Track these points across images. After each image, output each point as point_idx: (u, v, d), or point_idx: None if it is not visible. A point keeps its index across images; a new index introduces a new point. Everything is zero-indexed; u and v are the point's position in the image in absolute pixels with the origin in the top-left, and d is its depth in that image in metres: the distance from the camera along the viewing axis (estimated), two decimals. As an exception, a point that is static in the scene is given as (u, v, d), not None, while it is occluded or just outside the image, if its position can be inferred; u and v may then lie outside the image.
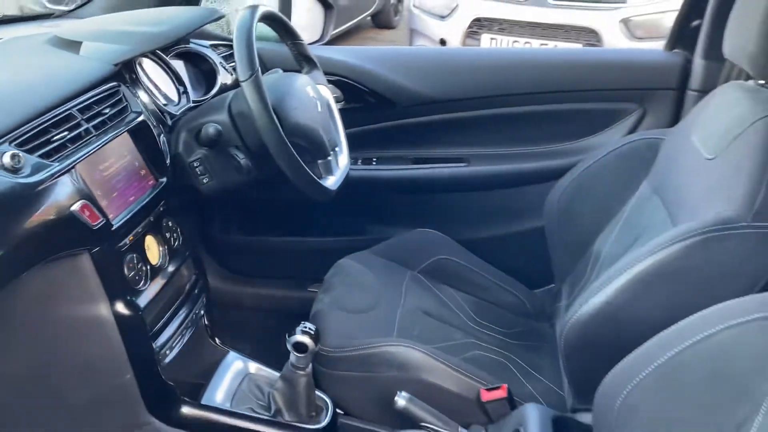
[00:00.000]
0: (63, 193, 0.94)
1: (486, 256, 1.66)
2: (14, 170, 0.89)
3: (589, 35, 3.81)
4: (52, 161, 0.95)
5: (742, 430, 0.80)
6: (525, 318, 1.59)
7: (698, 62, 1.60)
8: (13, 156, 0.88)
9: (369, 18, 5.84)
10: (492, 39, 4.05)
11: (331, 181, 1.36)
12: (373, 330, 1.34)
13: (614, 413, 0.91)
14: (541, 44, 3.90)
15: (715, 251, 1.03)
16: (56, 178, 0.94)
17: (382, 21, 6.09)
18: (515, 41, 3.97)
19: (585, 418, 1.19)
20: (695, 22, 1.63)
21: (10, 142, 0.91)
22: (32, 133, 0.95)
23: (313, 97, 1.36)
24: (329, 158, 1.39)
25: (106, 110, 1.10)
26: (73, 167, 0.97)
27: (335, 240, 1.83)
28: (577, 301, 1.21)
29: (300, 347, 1.13)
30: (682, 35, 1.68)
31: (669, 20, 1.75)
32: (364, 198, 1.77)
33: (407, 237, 1.65)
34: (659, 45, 1.77)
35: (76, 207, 0.95)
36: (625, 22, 3.77)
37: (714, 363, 0.84)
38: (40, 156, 0.94)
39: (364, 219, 1.85)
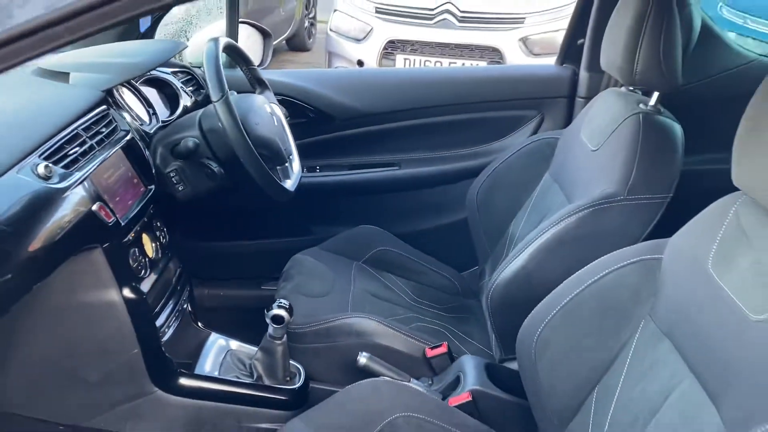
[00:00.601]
0: (84, 197, 1.15)
1: (420, 245, 1.92)
2: (47, 178, 1.09)
3: (493, 53, 4.18)
4: (71, 171, 1.15)
5: (625, 347, 1.09)
6: (456, 296, 1.86)
7: (583, 74, 1.93)
8: (46, 167, 1.09)
9: (284, 42, 6.06)
10: (405, 59, 4.36)
11: (289, 184, 1.61)
12: (331, 309, 1.57)
13: (532, 349, 1.18)
14: (450, 63, 4.23)
15: (602, 220, 1.34)
16: (78, 184, 1.14)
17: (297, 44, 6.32)
18: (427, 60, 4.28)
19: (511, 365, 1.46)
20: (580, 41, 1.96)
21: (39, 156, 1.11)
22: (54, 148, 1.15)
23: (270, 114, 1.60)
24: (286, 165, 1.63)
25: (103, 129, 1.31)
26: (88, 176, 1.18)
27: (285, 241, 2.04)
28: (496, 271, 1.50)
29: (277, 319, 1.36)
30: (570, 52, 2.00)
31: (561, 38, 2.07)
32: (310, 202, 1.98)
33: (351, 233, 1.89)
34: (553, 60, 2.10)
35: (95, 207, 1.16)
36: (524, 40, 4.16)
37: (603, 299, 1.12)
38: (63, 167, 1.14)
39: (310, 220, 2.08)
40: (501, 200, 1.78)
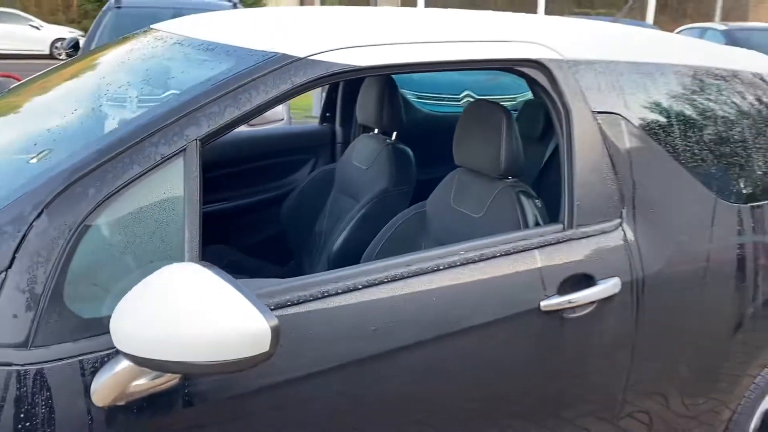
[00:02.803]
0: None
1: (256, 255, 2.79)
2: None
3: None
4: None
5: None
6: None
7: (338, 128, 3.03)
8: None
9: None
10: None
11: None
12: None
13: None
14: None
15: (383, 203, 2.40)
16: None
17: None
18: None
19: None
20: (328, 114, 3.07)
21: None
22: None
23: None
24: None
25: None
26: None
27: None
28: (324, 251, 2.47)
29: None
30: (325, 116, 3.09)
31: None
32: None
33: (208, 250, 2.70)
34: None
35: None
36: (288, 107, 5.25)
37: (402, 239, 2.16)
38: None
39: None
40: (306, 212, 2.75)
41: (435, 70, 1.79)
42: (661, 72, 1.89)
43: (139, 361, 1.11)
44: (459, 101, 3.98)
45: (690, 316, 1.85)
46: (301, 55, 1.44)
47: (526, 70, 1.69)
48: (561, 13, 23.39)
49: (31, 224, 1.18)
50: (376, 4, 23.39)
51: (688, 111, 1.92)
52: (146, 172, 1.26)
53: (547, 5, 27.92)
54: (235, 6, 6.74)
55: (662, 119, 1.84)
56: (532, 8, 28.29)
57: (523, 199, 1.85)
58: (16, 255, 1.17)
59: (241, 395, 1.30)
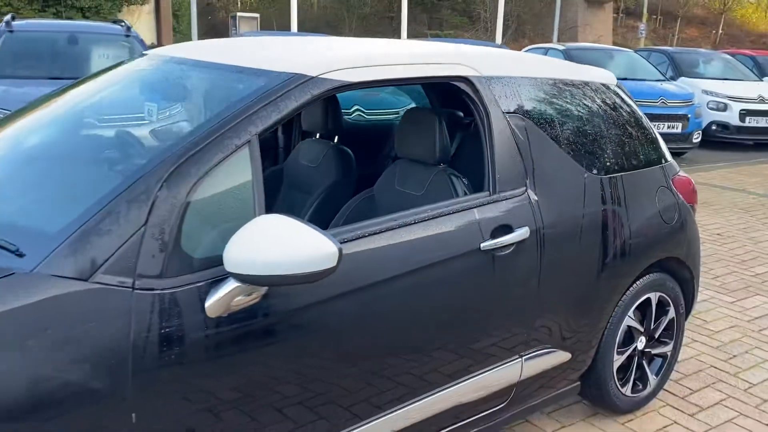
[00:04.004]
0: None
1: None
2: None
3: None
4: None
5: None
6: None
7: (280, 135, 3.60)
8: None
9: None
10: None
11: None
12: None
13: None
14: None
15: (336, 194, 3.01)
16: None
17: None
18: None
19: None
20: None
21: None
22: None
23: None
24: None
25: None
26: None
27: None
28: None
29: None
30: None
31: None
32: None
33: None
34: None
35: None
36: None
37: (354, 220, 2.78)
38: None
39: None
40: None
41: (400, 85, 2.43)
42: (544, 83, 2.65)
43: (245, 279, 1.66)
44: (350, 114, 4.64)
45: (572, 257, 2.60)
46: (314, 75, 2.04)
47: (456, 83, 2.39)
48: (416, 35, 24.91)
49: (156, 193, 1.70)
50: (237, 25, 23.69)
51: (562, 111, 2.69)
52: (226, 157, 1.81)
53: (400, 26, 29.31)
54: (128, 29, 7.04)
55: (547, 117, 2.60)
56: (388, 30, 29.63)
57: (453, 179, 2.54)
58: (149, 215, 1.68)
59: (297, 309, 1.86)
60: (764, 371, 3.56)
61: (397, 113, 4.89)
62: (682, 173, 3.22)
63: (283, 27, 29.95)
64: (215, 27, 29.94)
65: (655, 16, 38.74)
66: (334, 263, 1.70)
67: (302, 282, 1.70)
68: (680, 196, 3.10)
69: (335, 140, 3.20)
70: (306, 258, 1.67)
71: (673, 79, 11.48)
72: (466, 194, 2.48)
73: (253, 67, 2.13)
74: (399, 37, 27.27)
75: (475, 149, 2.62)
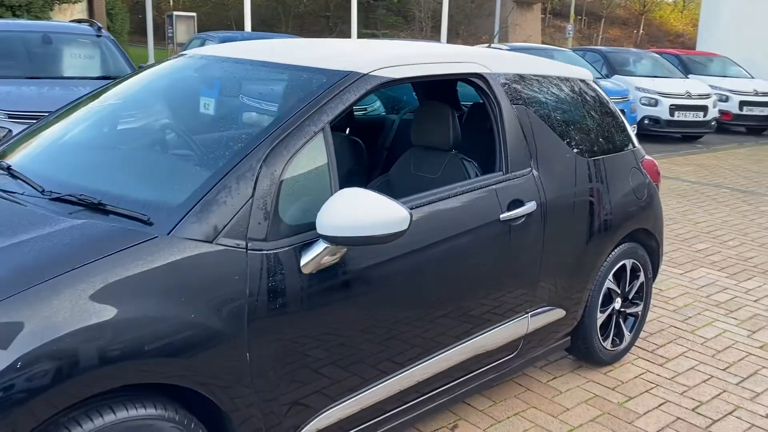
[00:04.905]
0: None
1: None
2: None
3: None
4: None
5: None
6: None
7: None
8: None
9: None
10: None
11: None
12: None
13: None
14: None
15: (351, 181, 3.37)
16: None
17: None
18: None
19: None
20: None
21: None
22: None
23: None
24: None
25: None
26: None
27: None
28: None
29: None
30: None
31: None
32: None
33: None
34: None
35: None
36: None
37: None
38: None
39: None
40: None
41: (431, 81, 2.82)
42: (538, 79, 3.09)
43: (333, 240, 2.02)
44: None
45: (567, 227, 3.05)
46: (366, 72, 2.41)
47: (473, 79, 2.79)
48: (349, 34, 25.29)
49: (258, 170, 2.04)
50: (174, 24, 23.49)
51: (554, 102, 3.14)
52: (307, 142, 2.16)
53: (337, 26, 29.55)
54: (98, 30, 7.17)
55: (543, 107, 3.04)
56: (325, 29, 29.87)
57: (465, 162, 2.94)
58: (255, 189, 2.02)
59: (367, 267, 2.23)
60: (716, 328, 4.12)
61: (367, 109, 5.30)
62: (648, 157, 3.73)
63: (220, 27, 29.83)
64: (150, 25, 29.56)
65: (580, 17, 40.30)
66: (406, 226, 2.07)
67: (381, 242, 2.06)
68: (648, 176, 3.60)
69: (347, 132, 3.55)
70: (384, 221, 2.04)
71: (607, 76, 12.25)
72: (477, 175, 2.88)
73: (314, 66, 2.47)
74: (342, 36, 27.51)
75: (467, 137, 3.05)
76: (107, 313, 1.70)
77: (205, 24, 28.97)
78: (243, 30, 15.32)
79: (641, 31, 41.35)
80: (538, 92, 3.06)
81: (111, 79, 6.69)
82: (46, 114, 5.51)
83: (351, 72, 2.39)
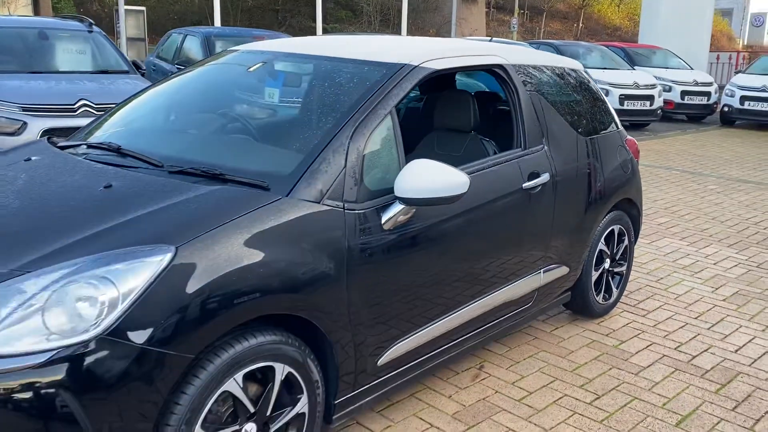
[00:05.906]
0: None
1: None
2: None
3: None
4: None
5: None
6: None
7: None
8: None
9: None
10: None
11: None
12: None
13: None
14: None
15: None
16: None
17: None
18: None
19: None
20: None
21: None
22: None
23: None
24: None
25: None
26: None
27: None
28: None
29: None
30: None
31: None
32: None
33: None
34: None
35: None
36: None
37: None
38: None
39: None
40: None
41: (464, 72, 3.30)
42: (543, 68, 3.61)
43: (408, 201, 2.48)
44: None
45: (571, 196, 3.58)
46: (416, 64, 2.87)
47: (495, 69, 3.29)
48: (302, 29, 25.46)
49: (348, 146, 2.48)
50: (122, 19, 23.31)
51: (557, 88, 3.67)
52: (380, 122, 2.61)
53: (287, 20, 29.69)
54: (90, 26, 7.41)
55: (549, 92, 3.56)
56: (274, 23, 29.96)
57: (484, 142, 3.44)
58: (346, 160, 2.46)
59: (431, 224, 2.70)
60: (684, 286, 4.74)
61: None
62: (629, 136, 4.30)
63: (167, 22, 29.53)
64: (92, 19, 29.10)
65: (523, 11, 41.38)
66: (466, 189, 2.55)
67: (446, 203, 2.54)
68: (630, 153, 4.16)
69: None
70: (448, 186, 2.51)
71: (561, 68, 12.93)
72: (495, 153, 3.38)
73: (372, 60, 2.92)
74: (292, 29, 27.59)
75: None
76: (254, 257, 2.14)
77: (150, 18, 28.65)
78: (210, 25, 15.47)
79: (581, 25, 42.73)
80: (544, 80, 3.58)
81: (107, 73, 6.97)
82: (59, 106, 5.82)
83: (405, 64, 2.85)
